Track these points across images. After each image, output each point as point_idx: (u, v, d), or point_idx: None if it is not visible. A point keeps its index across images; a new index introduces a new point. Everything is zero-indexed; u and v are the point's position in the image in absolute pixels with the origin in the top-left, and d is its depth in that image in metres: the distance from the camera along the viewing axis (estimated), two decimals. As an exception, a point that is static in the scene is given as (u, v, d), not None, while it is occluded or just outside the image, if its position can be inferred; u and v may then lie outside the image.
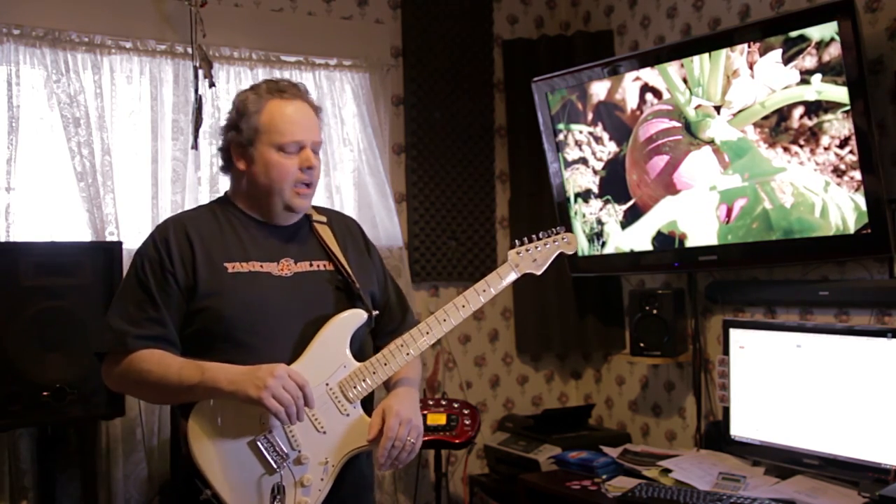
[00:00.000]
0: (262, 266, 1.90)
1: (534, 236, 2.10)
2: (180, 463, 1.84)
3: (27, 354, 2.61)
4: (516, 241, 2.10)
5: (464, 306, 2.02)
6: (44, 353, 2.63)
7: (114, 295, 1.93)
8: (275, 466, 1.79)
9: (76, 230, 3.06)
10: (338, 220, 2.10)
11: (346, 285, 1.96)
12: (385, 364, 1.93)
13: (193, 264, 1.86)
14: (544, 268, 2.10)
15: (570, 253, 2.14)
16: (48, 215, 3.05)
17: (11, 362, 2.59)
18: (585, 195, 3.49)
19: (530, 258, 2.08)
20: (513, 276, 2.06)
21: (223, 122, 1.99)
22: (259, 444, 1.80)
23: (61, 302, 2.67)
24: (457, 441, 3.20)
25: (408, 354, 1.95)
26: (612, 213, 3.40)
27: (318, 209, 2.08)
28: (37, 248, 2.81)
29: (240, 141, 1.92)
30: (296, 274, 1.93)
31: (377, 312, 2.00)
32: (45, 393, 2.61)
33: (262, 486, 1.80)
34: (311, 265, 1.96)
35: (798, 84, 2.73)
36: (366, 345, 2.01)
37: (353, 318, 1.93)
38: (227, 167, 1.99)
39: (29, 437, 2.90)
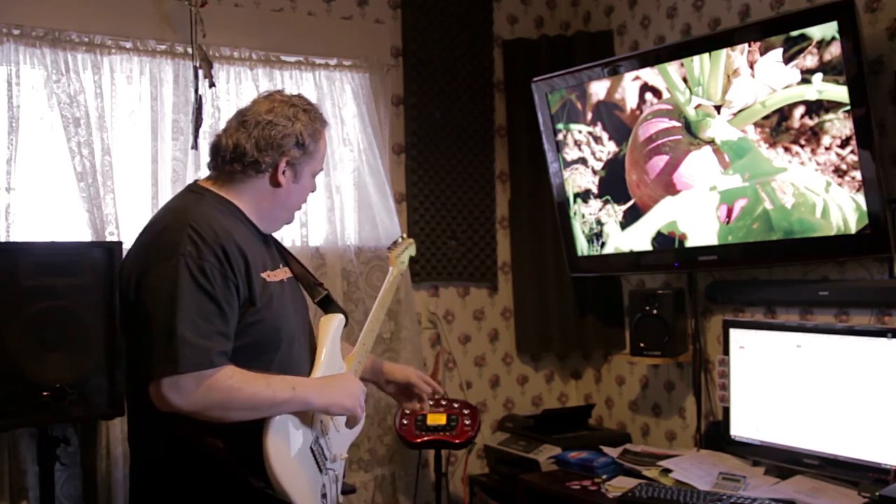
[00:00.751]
0: (276, 274, 1.92)
1: (398, 240, 2.46)
2: (202, 482, 1.77)
3: (27, 354, 2.61)
4: (388, 247, 2.44)
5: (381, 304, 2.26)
6: (44, 353, 2.63)
7: (178, 309, 1.66)
8: (322, 468, 1.91)
9: (76, 230, 3.05)
10: None
11: (302, 292, 2.09)
12: (360, 363, 2.12)
13: (248, 274, 1.77)
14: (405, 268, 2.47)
15: (413, 255, 2.50)
16: (48, 215, 3.04)
17: (11, 362, 2.58)
18: (584, 195, 3.49)
19: (405, 258, 2.43)
20: (399, 278, 2.39)
21: (275, 131, 1.88)
22: (314, 448, 1.90)
23: (61, 302, 2.67)
24: (457, 441, 3.20)
25: (368, 352, 2.19)
26: (612, 214, 3.40)
27: None
28: (37, 248, 2.80)
29: (296, 158, 1.90)
30: (287, 280, 2.00)
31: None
32: (45, 393, 2.61)
33: (319, 490, 1.90)
34: (286, 272, 2.02)
35: (799, 83, 2.73)
36: None
37: (341, 322, 2.08)
38: (252, 172, 1.88)
39: (29, 437, 2.90)
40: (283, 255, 2.07)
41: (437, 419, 3.23)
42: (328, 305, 2.10)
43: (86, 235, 3.04)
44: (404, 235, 2.53)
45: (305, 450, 1.85)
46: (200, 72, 3.15)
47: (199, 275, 1.68)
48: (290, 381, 1.78)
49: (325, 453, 1.92)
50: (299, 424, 1.84)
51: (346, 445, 2.07)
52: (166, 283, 1.67)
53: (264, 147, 1.86)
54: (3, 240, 2.91)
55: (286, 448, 1.78)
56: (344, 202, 3.57)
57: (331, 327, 2.02)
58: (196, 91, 3.15)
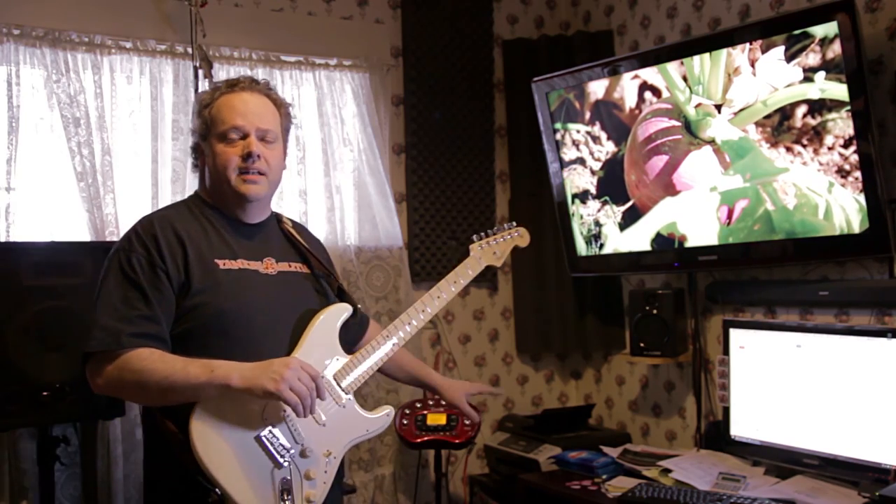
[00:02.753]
0: (249, 264, 1.93)
1: (489, 231, 2.30)
2: (172, 464, 1.80)
3: (27, 354, 2.60)
4: (475, 235, 2.28)
5: (439, 297, 2.13)
6: (44, 353, 2.62)
7: (100, 297, 1.82)
8: (280, 461, 1.81)
9: (76, 230, 3.05)
10: (299, 226, 2.17)
11: (321, 287, 2.03)
12: (374, 354, 2.00)
13: (185, 261, 1.84)
14: (502, 260, 2.30)
15: (524, 246, 2.35)
16: (48, 215, 3.04)
17: (11, 362, 2.58)
18: (583, 196, 3.48)
19: (490, 251, 2.27)
20: (479, 268, 2.24)
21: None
22: (264, 438, 1.80)
23: (61, 302, 2.67)
24: (457, 441, 3.20)
25: (395, 344, 2.04)
26: (611, 215, 3.40)
27: (283, 217, 2.13)
28: (37, 248, 2.80)
29: (196, 139, 1.98)
30: (280, 273, 1.98)
31: (360, 306, 2.09)
32: (45, 393, 2.60)
33: (268, 483, 1.80)
34: (289, 266, 2.01)
35: (801, 82, 2.73)
36: (349, 341, 2.06)
37: (341, 311, 2.00)
38: (196, 166, 2.02)
39: (29, 437, 2.90)
40: (284, 250, 2.02)
41: (437, 419, 3.23)
42: (342, 298, 2.06)
43: (86, 235, 3.04)
44: (512, 224, 2.36)
45: (246, 439, 1.79)
46: (200, 72, 3.15)
47: (125, 265, 1.81)
48: (211, 364, 1.73)
49: (283, 445, 1.81)
50: (235, 411, 1.78)
51: (339, 443, 1.92)
52: (101, 276, 1.85)
53: (191, 134, 2.02)
54: (3, 240, 2.91)
55: (213, 434, 1.76)
56: (344, 202, 3.57)
57: (320, 316, 1.95)
58: (196, 91, 3.15)
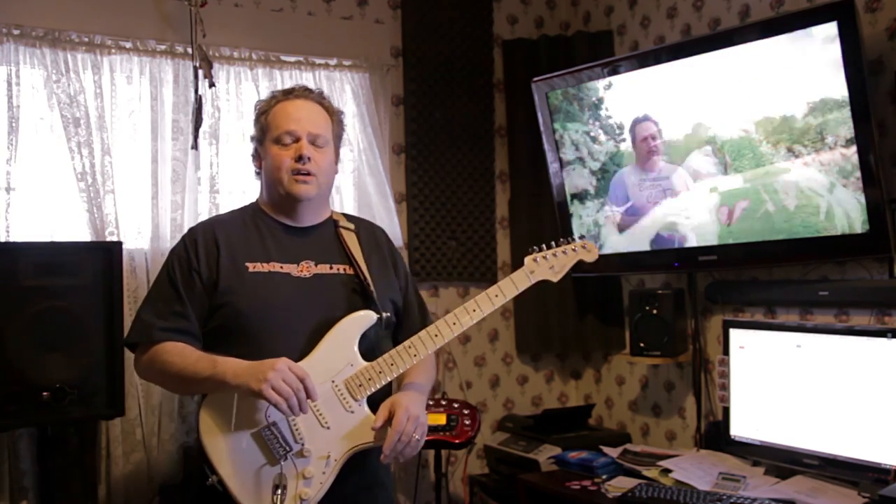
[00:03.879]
0: (282, 267, 2.00)
1: (553, 243, 2.10)
2: (191, 452, 1.93)
3: (27, 354, 2.61)
4: (534, 247, 2.08)
5: (475, 310, 2.01)
6: (44, 353, 2.63)
7: (147, 294, 2.05)
8: (277, 457, 1.86)
9: (76, 230, 3.06)
10: (366, 229, 2.18)
11: (362, 289, 2.03)
12: (392, 364, 1.97)
13: (217, 262, 1.97)
14: (561, 275, 2.09)
15: (591, 261, 2.11)
16: (48, 215, 3.04)
17: (11, 362, 2.59)
18: (581, 196, 3.48)
19: (547, 266, 2.08)
20: (527, 284, 2.06)
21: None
22: (263, 434, 1.87)
23: (61, 302, 2.67)
24: (457, 441, 3.20)
25: (415, 356, 1.98)
26: (610, 215, 3.40)
27: (349, 217, 2.19)
28: (37, 248, 2.81)
29: (255, 145, 2.09)
30: (315, 276, 2.01)
31: (388, 315, 2.03)
32: (45, 393, 2.61)
33: (265, 476, 1.87)
34: (331, 268, 2.04)
35: (801, 82, 2.73)
36: (378, 347, 2.04)
37: (364, 319, 1.99)
38: (257, 174, 2.12)
39: (29, 437, 2.90)
40: (330, 252, 2.04)
41: (437, 419, 3.23)
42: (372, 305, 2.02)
43: (86, 235, 3.04)
44: (578, 238, 2.13)
45: (248, 432, 1.88)
46: (200, 72, 3.15)
47: (169, 266, 2.00)
48: (216, 361, 1.86)
49: (282, 442, 1.86)
50: (242, 405, 1.87)
51: (341, 447, 1.90)
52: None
53: (250, 141, 2.13)
54: (3, 240, 2.91)
55: (218, 425, 1.88)
56: (344, 202, 3.57)
57: (341, 323, 1.95)
58: (196, 91, 3.15)
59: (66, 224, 3.07)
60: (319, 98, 2.10)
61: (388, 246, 2.19)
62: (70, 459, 2.94)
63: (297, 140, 2.00)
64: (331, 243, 2.08)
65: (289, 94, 2.07)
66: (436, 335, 1.98)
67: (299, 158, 1.98)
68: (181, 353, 1.91)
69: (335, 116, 2.11)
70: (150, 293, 2.03)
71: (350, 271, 2.04)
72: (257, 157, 2.09)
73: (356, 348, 1.96)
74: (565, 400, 4.12)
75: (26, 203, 3.00)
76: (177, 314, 1.94)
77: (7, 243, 2.88)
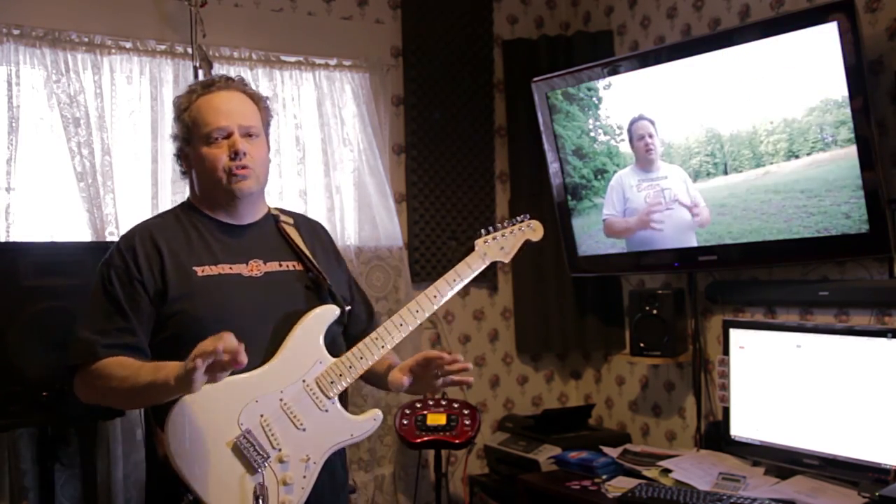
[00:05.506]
0: (231, 268, 1.91)
1: (499, 224, 2.13)
2: (155, 467, 1.82)
3: (27, 354, 2.60)
4: (482, 230, 2.13)
5: (435, 296, 2.01)
6: (44, 353, 2.62)
7: (83, 312, 1.88)
8: (256, 466, 1.78)
9: (76, 230, 3.05)
10: (304, 223, 2.11)
11: (315, 284, 1.97)
12: (361, 358, 1.92)
13: (162, 270, 1.85)
14: (511, 255, 2.12)
15: (536, 240, 2.17)
16: (48, 215, 3.04)
17: (11, 362, 2.58)
18: (582, 196, 3.48)
19: (497, 246, 2.11)
20: (482, 265, 2.09)
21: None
22: (239, 444, 1.78)
23: (61, 302, 2.66)
24: (457, 441, 3.20)
25: (382, 347, 1.95)
26: (609, 215, 3.39)
27: (285, 211, 2.10)
28: (37, 248, 2.81)
29: (180, 145, 1.96)
30: (266, 274, 1.94)
31: (349, 308, 2.00)
32: (45, 393, 2.60)
33: (244, 487, 1.78)
34: (280, 265, 1.97)
35: (803, 80, 2.73)
36: (336, 343, 1.99)
37: (327, 314, 1.93)
38: (184, 173, 2.00)
39: (29, 437, 2.90)
40: (276, 249, 1.98)
41: (437, 419, 3.23)
42: (332, 299, 1.99)
43: (86, 235, 3.04)
44: (525, 216, 2.17)
45: (221, 443, 1.78)
46: (200, 72, 3.15)
47: (105, 279, 1.86)
48: (159, 365, 1.72)
49: (259, 451, 1.79)
50: (211, 415, 1.77)
51: (319, 448, 1.86)
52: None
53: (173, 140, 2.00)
54: (3, 240, 2.91)
55: (187, 438, 1.76)
56: (344, 202, 3.57)
57: (304, 319, 1.90)
58: (195, 91, 3.15)
59: (66, 224, 3.07)
60: (242, 86, 1.97)
61: (327, 238, 2.14)
62: (70, 459, 2.95)
63: (229, 135, 1.89)
64: (275, 239, 2.00)
65: (209, 86, 1.94)
66: (401, 324, 1.97)
67: (235, 155, 1.87)
68: (121, 364, 1.78)
69: (261, 103, 1.99)
70: (87, 311, 1.86)
71: (300, 267, 1.98)
72: (184, 156, 1.97)
73: (322, 345, 1.91)
74: (565, 400, 4.12)
75: (26, 203, 2.99)
76: (120, 330, 1.81)
77: (7, 243, 2.88)
